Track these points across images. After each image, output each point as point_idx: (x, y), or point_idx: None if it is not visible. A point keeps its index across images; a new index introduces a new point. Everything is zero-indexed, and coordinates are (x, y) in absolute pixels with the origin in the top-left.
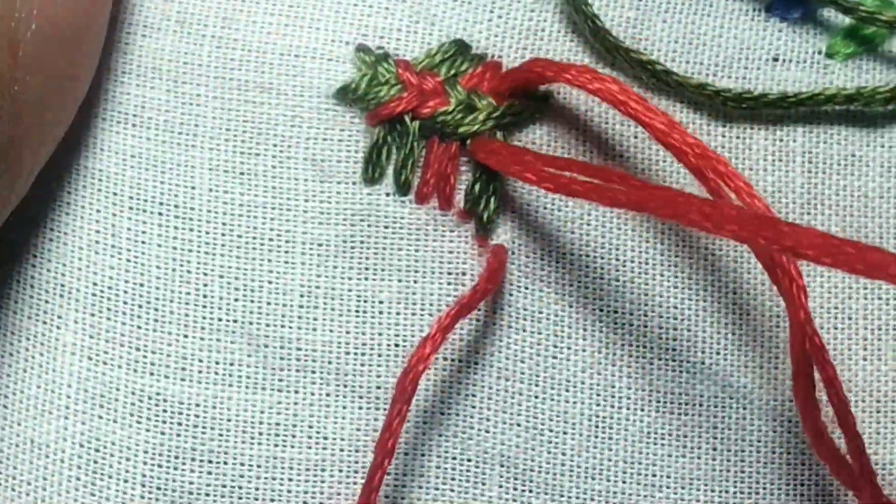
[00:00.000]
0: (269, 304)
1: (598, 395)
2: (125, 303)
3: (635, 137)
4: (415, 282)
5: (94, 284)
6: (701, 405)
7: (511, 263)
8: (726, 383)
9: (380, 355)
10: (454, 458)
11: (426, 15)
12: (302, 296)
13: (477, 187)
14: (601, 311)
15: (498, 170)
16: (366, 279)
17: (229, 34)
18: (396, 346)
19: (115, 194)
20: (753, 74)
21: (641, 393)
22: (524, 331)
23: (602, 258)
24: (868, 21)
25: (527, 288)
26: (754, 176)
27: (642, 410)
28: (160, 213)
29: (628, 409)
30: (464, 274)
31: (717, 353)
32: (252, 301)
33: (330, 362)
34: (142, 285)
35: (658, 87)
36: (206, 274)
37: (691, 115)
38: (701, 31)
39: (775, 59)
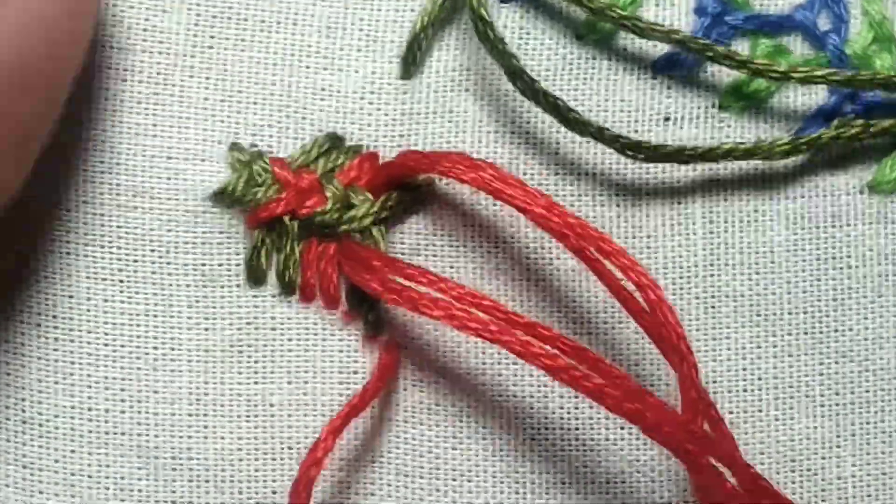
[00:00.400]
0: (156, 413)
1: (502, 482)
2: (8, 419)
3: (522, 220)
4: (305, 383)
5: None
6: (608, 482)
7: (404, 357)
8: (633, 457)
9: (273, 459)
10: None
11: (297, 109)
12: (190, 404)
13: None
14: (499, 396)
15: (348, 276)
16: (255, 383)
17: (97, 135)
18: (290, 448)
19: None
20: (645, 137)
21: (546, 476)
22: (421, 424)
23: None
24: (760, 74)
25: (421, 381)
26: (653, 243)
27: (548, 493)
28: (38, 325)
29: (533, 493)
30: (355, 373)
31: (621, 428)
32: (139, 412)
33: (223, 470)
34: (23, 399)
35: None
36: (90, 386)
37: (584, 188)
38: (585, 97)
39: (667, 119)
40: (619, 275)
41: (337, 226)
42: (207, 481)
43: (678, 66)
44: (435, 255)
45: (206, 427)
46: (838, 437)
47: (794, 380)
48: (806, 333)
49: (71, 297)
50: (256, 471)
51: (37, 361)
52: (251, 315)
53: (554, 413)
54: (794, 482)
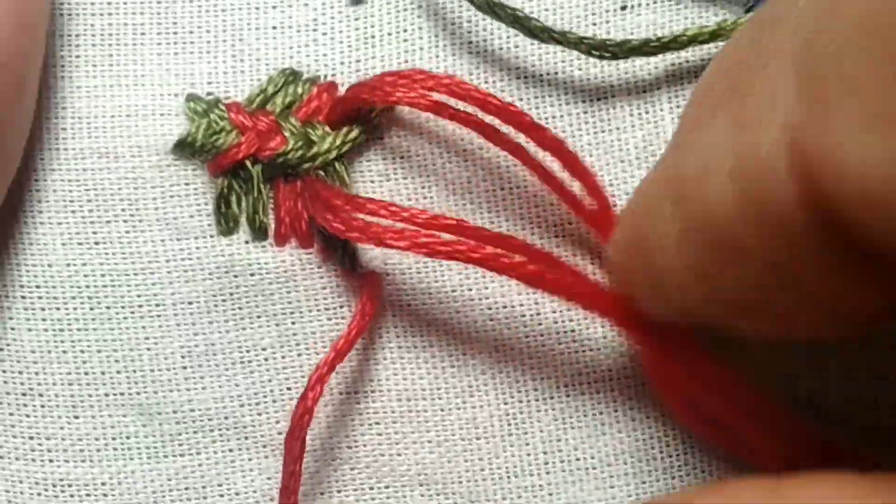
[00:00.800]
0: (152, 370)
1: (504, 393)
2: (8, 393)
3: (485, 148)
4: (293, 323)
5: None
6: (612, 380)
7: (388, 285)
8: (621, 364)
9: (274, 401)
10: (371, 489)
11: (249, 51)
12: (183, 357)
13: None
14: (493, 307)
15: (313, 217)
16: (244, 329)
17: (56, 103)
18: (289, 388)
19: None
20: (603, 28)
21: (549, 381)
22: (416, 347)
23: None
24: None
25: (409, 304)
26: (622, 134)
27: (552, 398)
28: (23, 297)
29: (538, 400)
30: (341, 307)
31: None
32: (135, 371)
33: (226, 417)
34: (20, 373)
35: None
36: (83, 351)
37: (548, 91)
38: None
39: (623, 8)
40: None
41: (300, 164)
42: (212, 430)
43: None
44: (405, 178)
45: (201, 378)
46: None
47: None
48: None
49: (50, 265)
50: (259, 414)
51: (27, 333)
52: (228, 263)
53: (548, 318)
54: None
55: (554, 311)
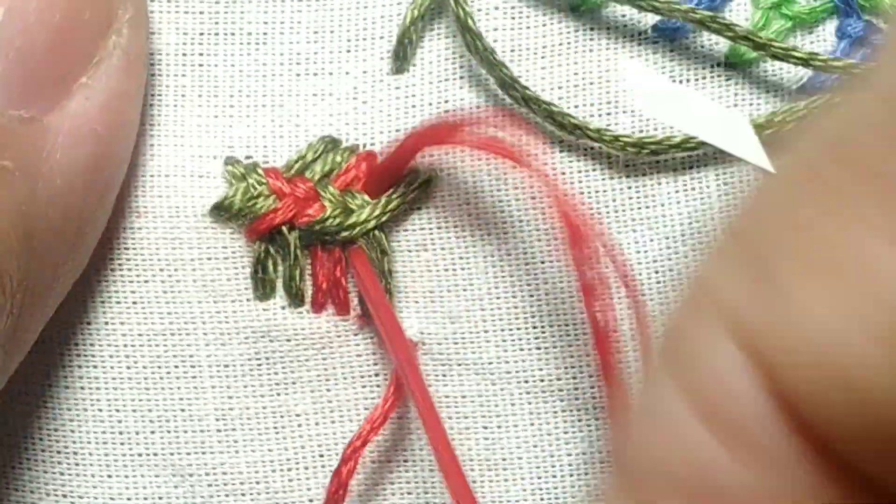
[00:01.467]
0: (185, 432)
1: (539, 469)
2: (43, 450)
3: (533, 199)
4: (328, 390)
5: (9, 435)
6: None
7: (423, 354)
8: None
9: (306, 468)
10: None
11: (289, 117)
12: (217, 420)
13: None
14: (528, 380)
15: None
16: (278, 395)
17: None
18: (321, 456)
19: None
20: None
21: (583, 456)
22: (450, 419)
23: (521, 324)
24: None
25: (444, 375)
26: (668, 211)
27: (587, 474)
28: (61, 354)
29: (572, 475)
30: (376, 375)
31: None
32: (169, 431)
33: (258, 482)
34: (55, 430)
35: (560, 135)
36: (118, 410)
37: (591, 164)
38: (586, 70)
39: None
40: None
41: (338, 233)
42: (244, 494)
43: (679, 31)
44: (443, 249)
45: (235, 442)
46: None
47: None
48: None
49: (89, 323)
50: (290, 481)
51: (64, 391)
52: (265, 328)
53: (584, 391)
54: None
55: (590, 377)
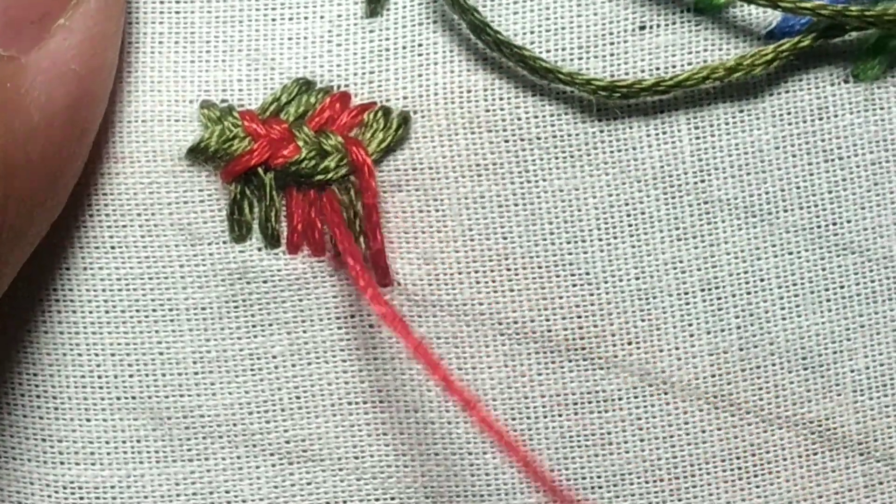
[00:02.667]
0: (164, 375)
1: (512, 408)
2: (22, 395)
3: (506, 142)
4: (304, 332)
5: None
6: (620, 399)
7: (399, 295)
8: (644, 371)
9: (283, 410)
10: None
11: (264, 60)
12: (195, 362)
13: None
14: (502, 321)
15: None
16: (255, 336)
17: None
18: (297, 398)
19: None
20: (621, 49)
21: (556, 398)
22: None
23: (495, 265)
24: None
25: (420, 316)
26: (640, 154)
27: (560, 416)
28: (41, 300)
29: (545, 416)
30: (352, 317)
31: (629, 343)
32: (147, 375)
33: (235, 424)
34: (35, 375)
35: (531, 79)
36: (97, 354)
37: (563, 108)
38: (557, 15)
39: (642, 28)
40: None
41: (313, 175)
42: (220, 437)
43: None
44: (417, 190)
45: (212, 384)
46: (847, 329)
47: (797, 277)
48: (804, 230)
49: (67, 268)
50: (267, 422)
51: (43, 335)
52: (241, 270)
53: (559, 333)
54: (806, 379)
55: (565, 329)
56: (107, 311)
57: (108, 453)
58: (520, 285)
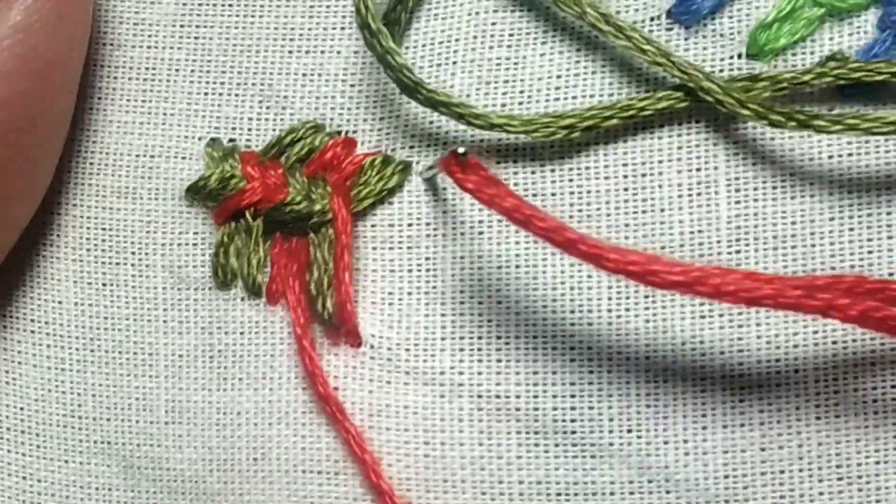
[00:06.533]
0: (137, 422)
1: (485, 493)
2: (8, 429)
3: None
4: (270, 390)
5: None
6: (612, 493)
7: (371, 358)
8: (644, 464)
9: (240, 471)
10: None
11: (276, 98)
12: (167, 412)
13: (313, 284)
14: (482, 394)
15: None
16: (224, 390)
17: (88, 137)
18: (255, 460)
19: None
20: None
21: (537, 485)
22: (388, 430)
23: (483, 332)
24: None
25: (388, 382)
26: (668, 217)
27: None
28: (32, 332)
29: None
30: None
31: (629, 431)
32: (123, 420)
33: (195, 482)
34: (21, 408)
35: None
36: (79, 394)
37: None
38: (591, 60)
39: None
40: None
41: (296, 220)
42: (183, 493)
43: (694, 13)
44: (409, 248)
45: (180, 436)
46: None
47: (838, 371)
48: None
49: (60, 302)
50: (225, 483)
51: (32, 369)
52: (221, 319)
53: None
54: (840, 492)
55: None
56: (92, 350)
57: (80, 498)
58: (509, 356)
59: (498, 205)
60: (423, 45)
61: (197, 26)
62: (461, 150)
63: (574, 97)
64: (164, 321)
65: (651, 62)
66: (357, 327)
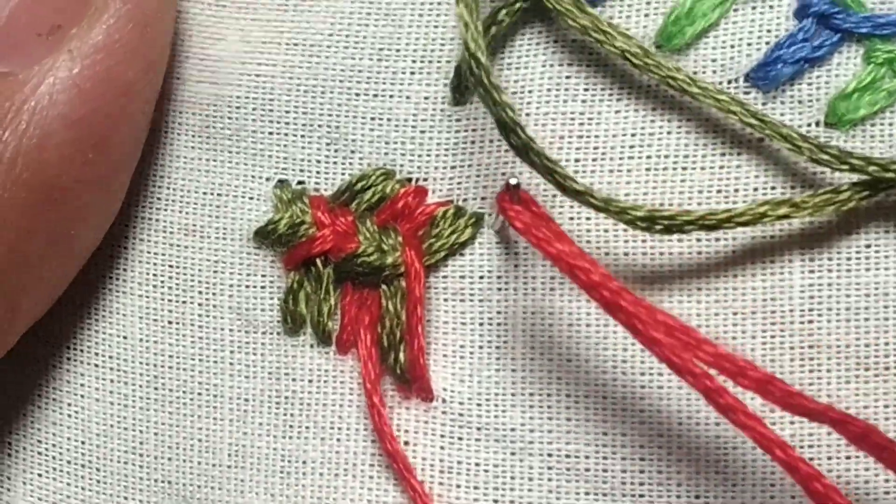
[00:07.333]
0: (199, 463)
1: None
2: (69, 462)
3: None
4: (338, 440)
5: (39, 442)
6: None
7: (442, 413)
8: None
9: None
10: None
11: (344, 141)
12: (230, 455)
13: (385, 337)
14: (552, 453)
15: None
16: (291, 438)
17: (154, 170)
18: None
19: (52, 345)
20: (734, 161)
21: None
22: (458, 487)
23: (553, 390)
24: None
25: (459, 439)
26: (741, 284)
27: None
28: (96, 366)
29: None
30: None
31: (697, 497)
32: (184, 460)
33: None
34: (83, 442)
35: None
36: (141, 431)
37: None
38: (666, 119)
39: (760, 140)
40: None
41: (368, 272)
42: None
43: (773, 79)
44: (481, 301)
45: (242, 481)
46: None
47: None
48: None
49: (125, 337)
50: None
51: (95, 403)
52: (289, 365)
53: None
54: None
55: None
56: (156, 388)
57: None
58: (579, 415)
59: (544, 249)
60: None
61: (258, 64)
62: (514, 181)
63: (648, 157)
64: (231, 363)
65: (744, 123)
66: (429, 382)
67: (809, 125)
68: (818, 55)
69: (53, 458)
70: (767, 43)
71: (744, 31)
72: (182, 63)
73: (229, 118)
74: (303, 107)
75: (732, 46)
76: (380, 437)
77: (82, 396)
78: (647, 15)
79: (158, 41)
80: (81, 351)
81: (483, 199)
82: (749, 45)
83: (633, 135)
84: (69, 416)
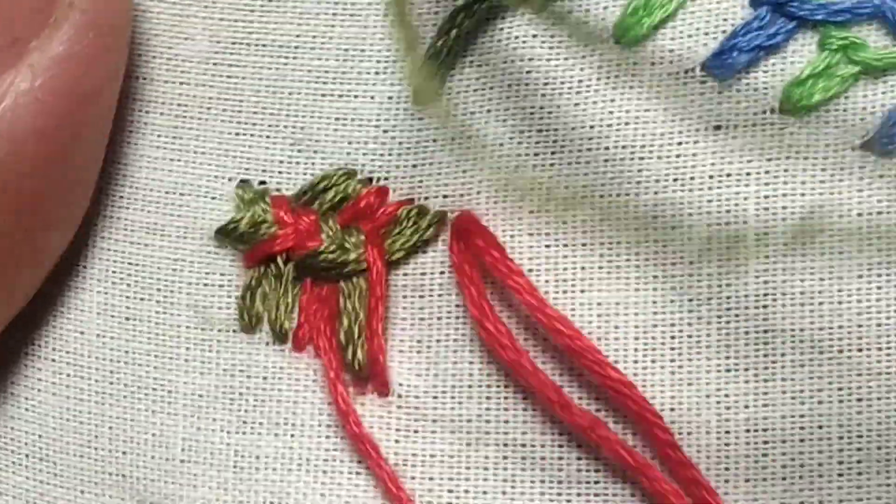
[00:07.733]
0: (153, 458)
1: None
2: (26, 455)
3: (547, 247)
4: (292, 436)
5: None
6: None
7: (398, 407)
8: None
9: None
10: None
11: (308, 141)
12: (183, 449)
13: (343, 334)
14: (509, 443)
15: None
16: (244, 433)
17: (118, 169)
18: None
19: (9, 340)
20: (692, 148)
21: None
22: (413, 479)
23: (510, 381)
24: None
25: (415, 431)
26: (696, 270)
27: None
28: (53, 360)
29: None
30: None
31: None
32: (138, 454)
33: None
34: (40, 437)
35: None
36: (97, 425)
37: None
38: (625, 105)
39: (717, 128)
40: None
41: (329, 269)
42: None
43: (729, 67)
44: (440, 296)
45: (195, 476)
46: None
47: (865, 430)
48: (880, 374)
49: (82, 332)
50: None
51: (51, 397)
52: (244, 362)
53: None
54: None
55: None
56: (111, 383)
57: None
58: (535, 405)
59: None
60: (458, 93)
61: (229, 65)
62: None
63: (606, 147)
64: (186, 360)
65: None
66: (387, 378)
67: (765, 112)
68: (773, 43)
69: (11, 451)
70: (724, 32)
71: (700, 20)
72: (148, 62)
73: (199, 119)
74: (270, 108)
75: (690, 36)
76: (344, 421)
77: (39, 391)
78: (605, 7)
79: (119, 48)
80: (39, 346)
81: (445, 197)
82: (706, 34)
83: (591, 127)
84: (26, 409)
